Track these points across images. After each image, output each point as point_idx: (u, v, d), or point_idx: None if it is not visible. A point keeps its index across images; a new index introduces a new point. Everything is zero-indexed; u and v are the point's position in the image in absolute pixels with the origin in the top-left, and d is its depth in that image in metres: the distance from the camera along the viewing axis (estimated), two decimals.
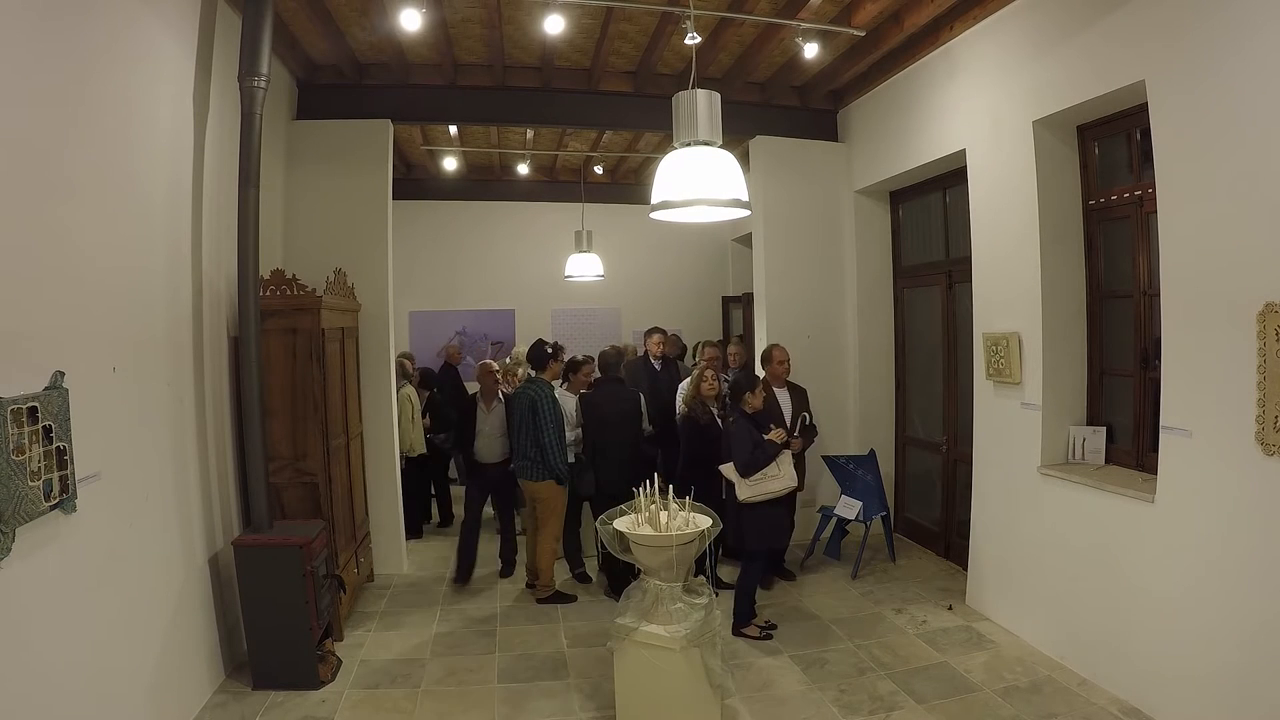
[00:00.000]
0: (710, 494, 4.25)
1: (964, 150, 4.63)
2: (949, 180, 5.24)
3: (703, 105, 2.90)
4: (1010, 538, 4.31)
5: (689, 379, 5.30)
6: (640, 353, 6.59)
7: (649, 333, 6.27)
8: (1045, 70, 3.91)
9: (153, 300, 3.26)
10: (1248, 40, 2.84)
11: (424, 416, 6.47)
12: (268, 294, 4.14)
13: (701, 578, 3.43)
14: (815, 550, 5.48)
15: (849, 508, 5.33)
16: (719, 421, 4.87)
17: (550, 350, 5.16)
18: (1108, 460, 3.95)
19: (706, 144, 2.91)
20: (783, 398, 5.12)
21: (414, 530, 6.26)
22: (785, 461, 4.32)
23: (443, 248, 8.72)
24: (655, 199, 2.92)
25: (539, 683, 3.86)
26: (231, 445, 4.04)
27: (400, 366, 6.04)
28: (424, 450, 6.26)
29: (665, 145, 6.98)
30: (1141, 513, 3.41)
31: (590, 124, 6.33)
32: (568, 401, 5.12)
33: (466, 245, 8.83)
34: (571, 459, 5.04)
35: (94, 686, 2.68)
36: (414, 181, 8.33)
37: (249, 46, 3.75)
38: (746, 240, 7.31)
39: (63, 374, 2.48)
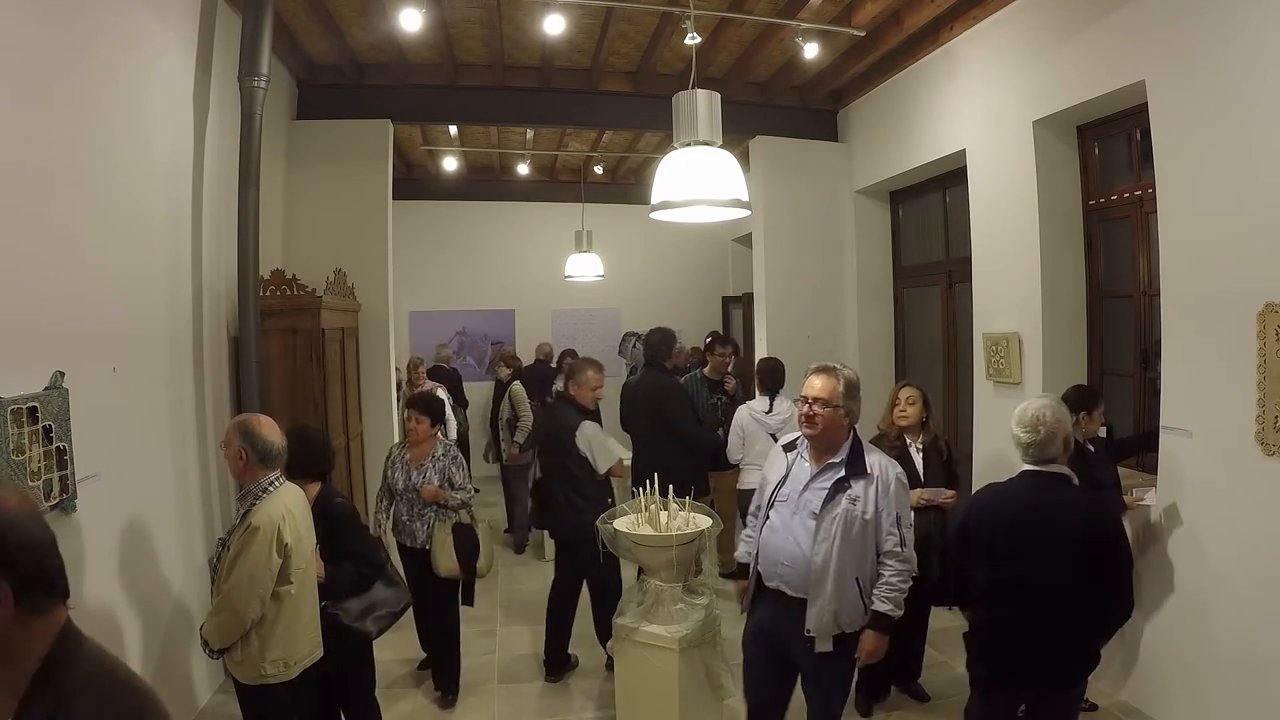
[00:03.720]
0: None
1: (964, 150, 4.63)
2: (949, 180, 5.24)
3: (703, 105, 2.89)
4: None
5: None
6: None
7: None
8: (1045, 70, 3.92)
9: (153, 300, 3.26)
10: (1247, 41, 2.84)
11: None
12: (268, 294, 4.14)
13: (702, 577, 3.43)
14: None
15: None
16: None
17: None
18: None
19: (706, 144, 2.90)
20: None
21: None
22: None
23: (442, 248, 8.73)
24: (655, 199, 2.91)
25: (539, 683, 3.86)
26: None
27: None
28: None
29: (665, 145, 6.98)
30: (1141, 513, 3.41)
31: (590, 124, 6.32)
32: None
33: (466, 245, 8.83)
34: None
35: None
36: (414, 181, 8.33)
37: (249, 46, 3.75)
38: (746, 240, 7.31)
39: (63, 374, 2.48)
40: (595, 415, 4.10)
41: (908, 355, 6.09)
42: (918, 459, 3.52)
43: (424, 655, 3.92)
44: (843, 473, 2.46)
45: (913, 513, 3.18)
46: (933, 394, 5.58)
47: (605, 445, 3.91)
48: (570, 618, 4.00)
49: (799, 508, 2.49)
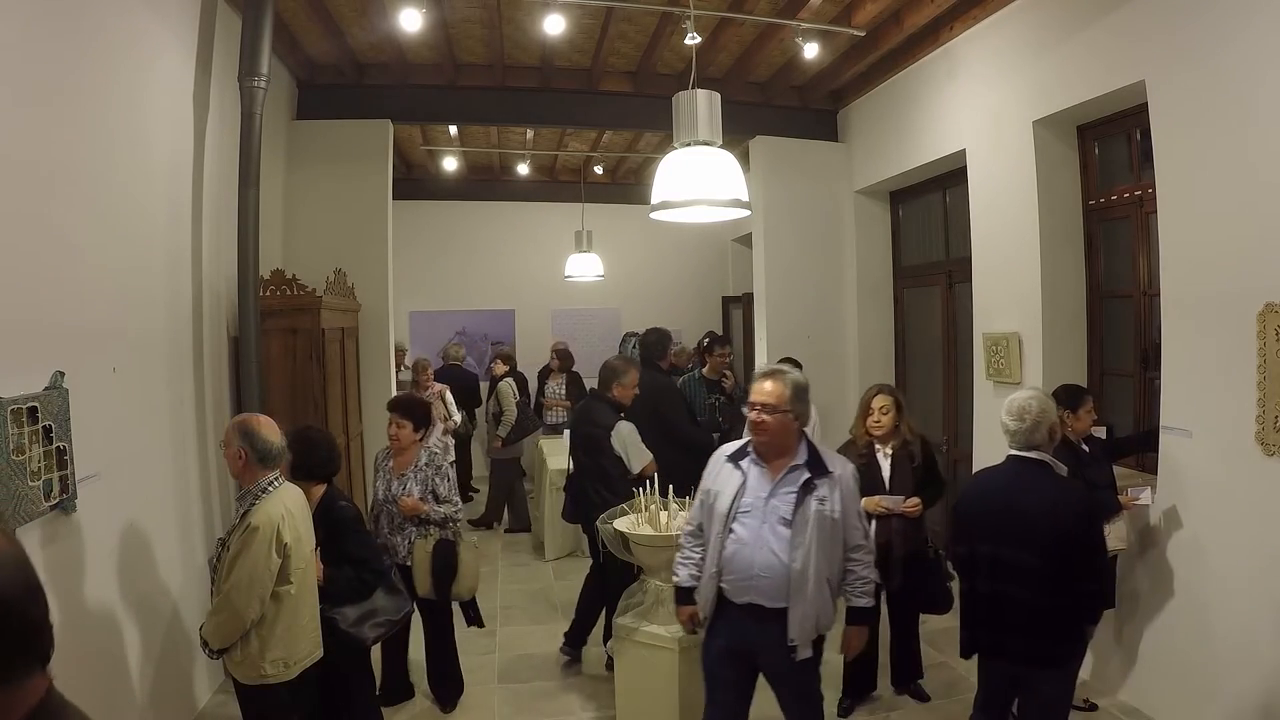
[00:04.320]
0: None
1: (964, 150, 4.63)
2: (949, 180, 5.24)
3: (703, 105, 2.89)
4: None
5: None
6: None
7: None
8: (1045, 70, 3.91)
9: (153, 300, 3.26)
10: (1247, 40, 2.84)
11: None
12: (268, 294, 4.14)
13: None
14: None
15: None
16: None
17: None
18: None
19: (706, 144, 2.91)
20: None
21: None
22: None
23: (442, 248, 8.73)
24: (655, 199, 2.91)
25: (539, 683, 3.86)
26: None
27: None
28: None
29: (665, 145, 6.98)
30: (1141, 513, 3.41)
31: (590, 124, 6.33)
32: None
33: (466, 245, 8.83)
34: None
35: (94, 688, 2.67)
36: (414, 181, 8.33)
37: (249, 46, 3.75)
38: (746, 240, 7.31)
39: (63, 374, 2.48)
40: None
41: (908, 355, 6.09)
42: (885, 465, 3.44)
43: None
44: (808, 474, 2.43)
45: (873, 521, 3.23)
46: (933, 394, 5.63)
47: (639, 445, 3.91)
48: (599, 608, 4.05)
49: (767, 516, 2.42)
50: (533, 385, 7.72)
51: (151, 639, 3.11)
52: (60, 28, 2.57)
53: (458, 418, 6.43)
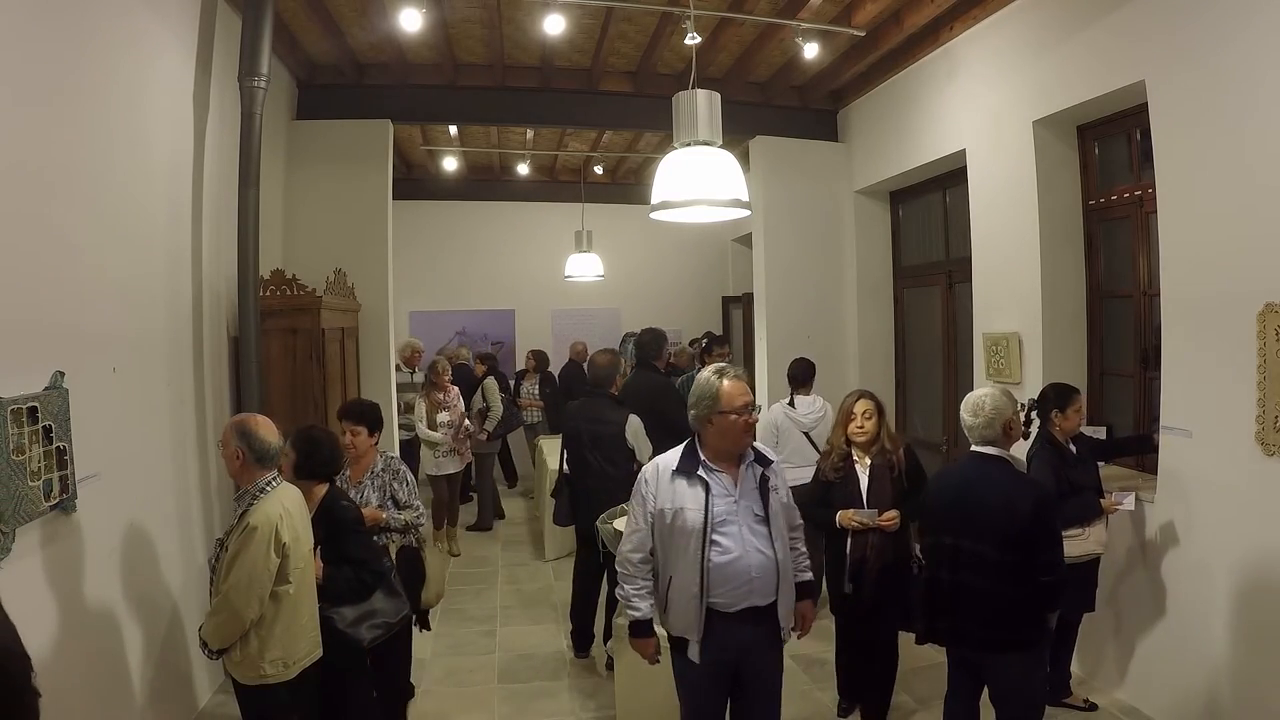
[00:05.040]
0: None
1: (964, 150, 4.63)
2: (949, 180, 5.24)
3: (703, 105, 2.89)
4: None
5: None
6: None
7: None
8: (1045, 70, 3.92)
9: (153, 300, 3.26)
10: (1247, 40, 2.84)
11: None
12: (268, 294, 4.14)
13: None
14: None
15: None
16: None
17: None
18: (1108, 460, 3.95)
19: (706, 144, 2.91)
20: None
21: None
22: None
23: (442, 248, 8.74)
24: (655, 199, 2.91)
25: (539, 683, 3.86)
26: None
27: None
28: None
29: (665, 145, 6.98)
30: (1141, 513, 3.41)
31: (590, 124, 6.33)
32: None
33: (466, 245, 8.84)
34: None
35: (94, 687, 2.68)
36: (414, 181, 8.33)
37: (249, 46, 3.75)
38: (746, 240, 7.31)
39: (63, 374, 2.48)
40: None
41: (908, 355, 6.09)
42: (863, 477, 3.26)
43: None
44: (760, 467, 2.45)
45: (849, 536, 3.22)
46: (933, 394, 5.63)
47: (646, 438, 3.96)
48: (594, 603, 4.10)
49: (743, 518, 2.38)
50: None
51: (151, 639, 3.11)
52: (60, 27, 2.57)
53: (468, 420, 6.42)
